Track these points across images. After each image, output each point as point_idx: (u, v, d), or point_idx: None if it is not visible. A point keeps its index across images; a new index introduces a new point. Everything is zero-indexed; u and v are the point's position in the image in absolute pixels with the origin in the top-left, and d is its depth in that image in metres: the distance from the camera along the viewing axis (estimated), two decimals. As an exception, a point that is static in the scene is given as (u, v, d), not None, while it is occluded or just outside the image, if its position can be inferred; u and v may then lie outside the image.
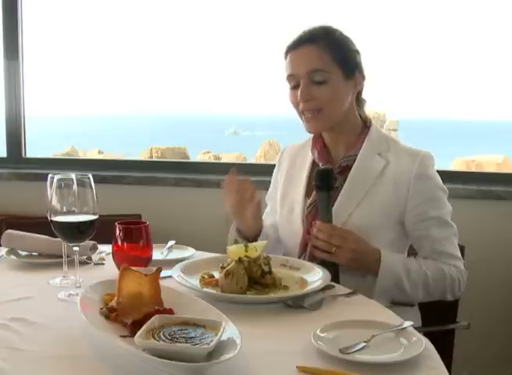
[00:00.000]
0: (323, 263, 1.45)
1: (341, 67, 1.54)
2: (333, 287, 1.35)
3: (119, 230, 1.41)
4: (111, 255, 1.46)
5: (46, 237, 1.58)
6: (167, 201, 2.70)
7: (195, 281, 1.34)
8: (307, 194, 1.63)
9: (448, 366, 1.03)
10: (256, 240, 1.57)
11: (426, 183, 1.55)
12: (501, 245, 2.39)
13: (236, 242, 1.48)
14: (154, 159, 8.32)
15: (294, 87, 1.57)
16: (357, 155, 1.59)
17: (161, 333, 0.96)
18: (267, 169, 1.84)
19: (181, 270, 1.38)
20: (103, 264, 1.57)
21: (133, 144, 21.98)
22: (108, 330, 1.04)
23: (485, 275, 2.34)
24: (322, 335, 1.06)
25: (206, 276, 1.37)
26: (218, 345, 0.94)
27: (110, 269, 1.44)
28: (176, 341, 0.94)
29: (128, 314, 1.06)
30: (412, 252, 1.63)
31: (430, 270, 1.51)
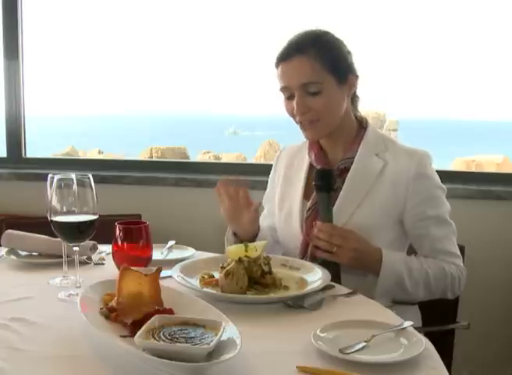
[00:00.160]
0: (324, 263, 1.45)
1: (333, 74, 1.53)
2: (333, 287, 1.35)
3: (119, 230, 1.41)
4: (111, 255, 1.46)
5: (46, 237, 1.58)
6: (167, 201, 2.70)
7: (195, 281, 1.34)
8: (306, 197, 1.63)
9: (448, 366, 1.03)
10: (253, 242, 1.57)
11: (424, 183, 1.55)
12: (501, 245, 2.39)
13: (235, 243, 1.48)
14: (154, 159, 8.31)
15: (289, 98, 1.57)
16: (354, 157, 1.59)
17: (161, 333, 0.96)
18: (267, 169, 1.84)
19: (181, 270, 1.37)
20: (103, 264, 1.57)
21: (133, 144, 21.99)
22: (108, 330, 1.03)
23: (485, 275, 2.34)
24: (322, 335, 1.06)
25: (206, 277, 1.37)
26: (218, 345, 0.94)
27: (110, 269, 1.44)
28: (176, 341, 0.94)
29: (128, 314, 1.06)
30: (412, 252, 1.63)
31: (431, 269, 1.51)
